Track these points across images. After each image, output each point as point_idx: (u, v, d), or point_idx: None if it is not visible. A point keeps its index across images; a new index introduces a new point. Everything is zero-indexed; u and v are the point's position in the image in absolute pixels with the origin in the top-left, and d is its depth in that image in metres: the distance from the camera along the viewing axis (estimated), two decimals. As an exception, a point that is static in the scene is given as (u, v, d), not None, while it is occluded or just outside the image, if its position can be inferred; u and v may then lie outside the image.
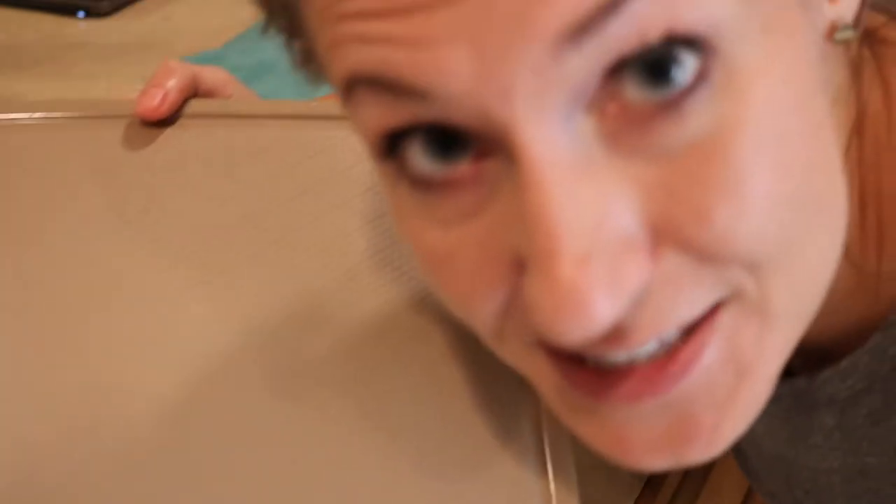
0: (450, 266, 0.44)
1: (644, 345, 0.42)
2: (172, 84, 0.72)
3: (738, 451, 0.72)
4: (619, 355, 0.43)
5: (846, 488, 0.61)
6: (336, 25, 0.40)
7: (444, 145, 0.42)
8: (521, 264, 0.41)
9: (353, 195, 0.69)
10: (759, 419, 0.58)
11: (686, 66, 0.39)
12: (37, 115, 0.74)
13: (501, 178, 0.41)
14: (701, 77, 0.39)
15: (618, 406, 0.44)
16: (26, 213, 0.71)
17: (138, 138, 0.72)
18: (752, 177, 0.40)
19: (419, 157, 0.42)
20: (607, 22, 0.37)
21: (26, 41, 1.34)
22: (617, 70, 0.39)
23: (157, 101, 0.71)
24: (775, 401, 0.56)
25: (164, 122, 0.72)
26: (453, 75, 0.38)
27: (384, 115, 0.41)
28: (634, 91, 0.39)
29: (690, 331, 0.43)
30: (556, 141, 0.39)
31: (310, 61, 0.47)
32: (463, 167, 0.42)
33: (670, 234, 0.40)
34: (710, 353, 0.43)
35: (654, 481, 0.80)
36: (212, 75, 0.75)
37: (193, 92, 0.74)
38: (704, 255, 0.41)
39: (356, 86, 0.41)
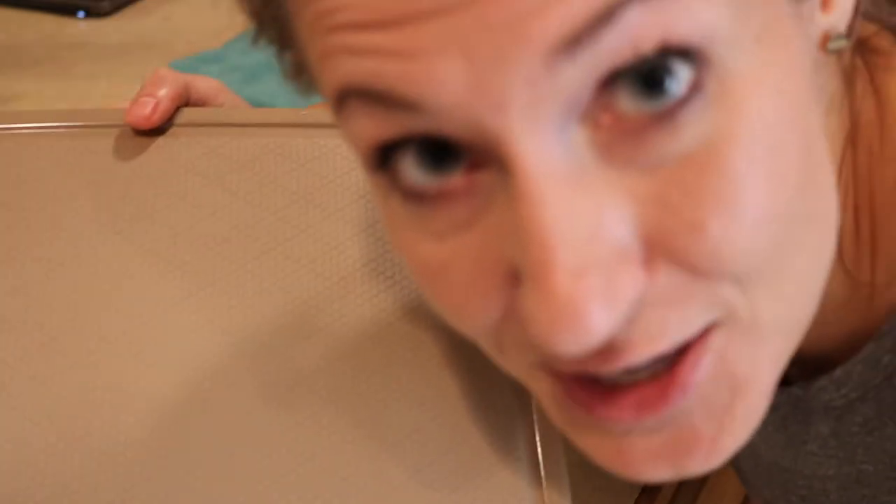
0: (444, 279, 0.44)
1: (638, 361, 0.42)
2: (164, 93, 0.71)
3: (735, 458, 0.71)
4: (615, 371, 0.42)
5: (842, 495, 0.61)
6: (326, 37, 0.40)
7: (436, 157, 0.42)
8: (517, 276, 0.41)
9: (345, 204, 0.69)
10: (755, 428, 0.59)
11: (680, 77, 0.39)
12: (26, 125, 0.74)
13: (495, 189, 0.41)
14: (695, 88, 0.39)
15: (618, 423, 0.44)
16: (16, 224, 0.70)
17: (129, 148, 0.72)
18: (745, 189, 0.40)
19: (411, 169, 0.42)
20: (601, 33, 0.37)
21: (26, 41, 1.35)
22: (611, 81, 0.39)
23: (148, 110, 0.70)
24: (772, 409, 0.56)
25: (155, 131, 0.72)
26: (445, 87, 0.38)
27: (376, 127, 0.41)
28: (628, 102, 0.39)
29: (684, 350, 0.43)
30: (550, 152, 0.39)
31: (301, 73, 0.47)
32: (456, 179, 0.42)
33: (663, 246, 0.40)
34: (705, 370, 0.43)
35: (650, 486, 0.80)
36: (203, 84, 0.75)
37: (185, 100, 0.73)
38: (697, 269, 0.41)
39: (347, 98, 0.41)
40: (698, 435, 0.44)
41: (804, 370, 0.58)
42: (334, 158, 0.70)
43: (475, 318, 0.45)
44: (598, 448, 0.47)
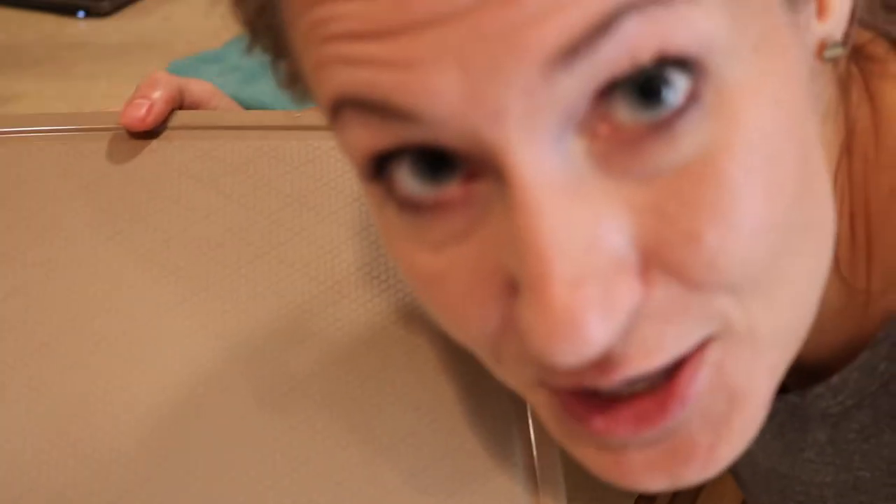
0: (441, 289, 0.44)
1: (635, 374, 0.42)
2: (158, 95, 0.71)
3: (733, 465, 0.71)
4: (613, 384, 0.42)
5: (839, 502, 0.61)
6: (321, 47, 0.40)
7: (432, 167, 0.41)
8: (514, 286, 0.41)
9: (340, 207, 0.69)
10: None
11: (677, 87, 0.39)
12: (20, 129, 0.73)
13: (492, 199, 0.41)
14: (692, 98, 0.39)
15: (616, 437, 0.44)
16: (10, 227, 0.70)
17: (122, 151, 0.71)
18: (742, 199, 0.40)
19: (407, 179, 0.42)
20: (598, 43, 0.37)
21: (26, 41, 1.35)
22: (608, 91, 0.39)
23: (142, 112, 0.70)
24: (769, 416, 0.56)
25: (149, 133, 0.72)
26: (441, 97, 0.38)
27: (371, 137, 0.41)
28: (626, 112, 0.39)
29: (681, 362, 0.43)
30: (547, 163, 0.38)
31: (295, 82, 0.47)
32: (452, 189, 0.42)
33: (660, 257, 0.40)
34: (702, 383, 0.43)
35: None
36: (198, 87, 0.75)
37: (179, 103, 0.73)
38: (693, 280, 0.41)
39: (343, 108, 0.41)
40: (695, 446, 0.44)
41: (800, 378, 0.58)
42: (328, 161, 0.70)
43: (473, 329, 0.44)
44: (595, 460, 0.46)
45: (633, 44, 0.37)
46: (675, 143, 0.39)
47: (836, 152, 0.54)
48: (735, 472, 0.72)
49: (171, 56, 1.27)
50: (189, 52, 1.28)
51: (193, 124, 0.72)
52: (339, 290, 0.67)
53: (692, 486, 0.81)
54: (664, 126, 0.39)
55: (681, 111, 0.39)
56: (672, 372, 0.43)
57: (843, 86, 0.54)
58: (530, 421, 0.60)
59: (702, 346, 0.43)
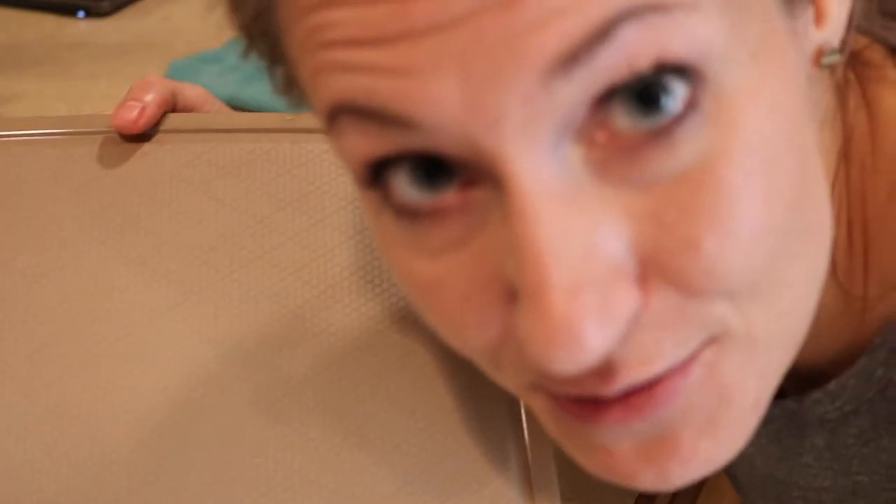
0: (438, 297, 0.44)
1: (634, 381, 0.42)
2: (150, 98, 0.71)
3: (730, 470, 0.72)
4: (612, 392, 0.42)
5: (838, 507, 0.60)
6: (318, 53, 0.40)
7: (429, 174, 0.41)
8: (512, 294, 0.41)
9: (333, 210, 0.69)
10: (749, 439, 0.58)
11: (675, 94, 0.38)
12: (10, 133, 0.73)
13: (490, 206, 0.41)
14: (690, 105, 0.39)
15: (608, 428, 0.44)
16: (1, 233, 0.70)
17: (114, 155, 0.71)
18: (741, 206, 0.40)
19: (404, 186, 0.42)
20: (597, 51, 0.37)
21: (26, 41, 1.35)
22: (606, 98, 0.38)
23: (134, 115, 0.70)
24: (766, 422, 0.56)
25: (140, 137, 0.71)
26: (440, 104, 0.38)
27: (369, 144, 0.41)
28: (624, 119, 0.39)
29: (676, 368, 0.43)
30: (545, 170, 0.38)
31: (292, 87, 0.47)
32: (450, 196, 0.42)
33: (658, 264, 0.40)
34: (692, 379, 0.43)
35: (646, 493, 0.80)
36: (191, 91, 0.74)
37: (172, 107, 0.73)
38: (692, 287, 0.41)
39: (340, 114, 0.41)
40: (677, 441, 0.44)
41: (798, 383, 0.58)
42: (321, 164, 0.70)
43: (470, 337, 0.44)
44: (589, 457, 0.47)
45: (631, 51, 0.37)
46: (673, 149, 0.39)
47: (833, 158, 0.54)
48: (732, 476, 0.72)
49: (171, 56, 1.27)
50: (189, 52, 1.27)
51: (185, 127, 0.72)
52: (333, 295, 0.67)
53: (690, 487, 0.81)
54: (662, 133, 0.39)
55: (679, 118, 0.39)
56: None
57: (841, 92, 0.54)
58: (524, 425, 0.60)
59: (699, 350, 0.43)
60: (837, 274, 0.54)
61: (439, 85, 0.37)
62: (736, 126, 0.39)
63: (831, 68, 0.50)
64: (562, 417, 0.46)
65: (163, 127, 0.72)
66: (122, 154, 0.71)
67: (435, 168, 0.41)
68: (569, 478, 0.58)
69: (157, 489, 0.59)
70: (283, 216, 0.69)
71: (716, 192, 0.39)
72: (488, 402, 0.61)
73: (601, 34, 0.36)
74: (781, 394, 0.57)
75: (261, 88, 1.19)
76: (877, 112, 0.54)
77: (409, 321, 0.65)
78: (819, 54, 0.46)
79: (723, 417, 0.44)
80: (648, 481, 0.45)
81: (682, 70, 0.38)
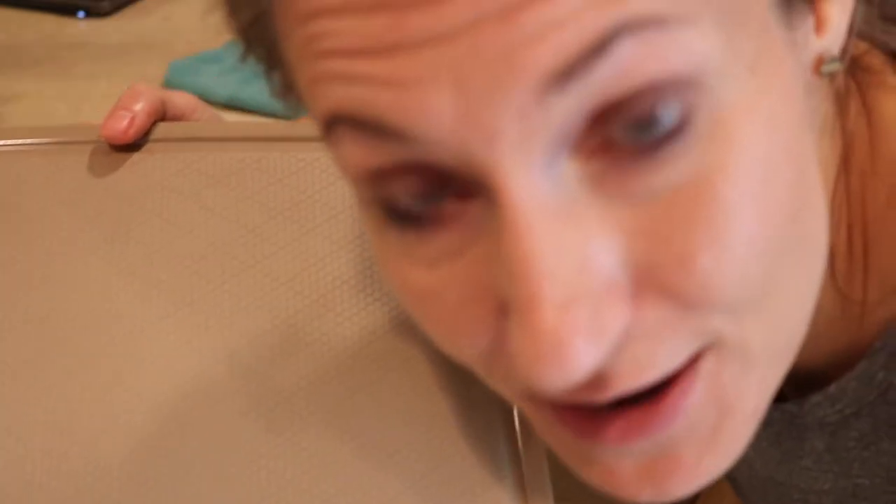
0: (433, 306, 0.44)
1: (627, 391, 0.42)
2: (140, 107, 0.70)
3: (730, 472, 0.72)
4: (605, 401, 0.43)
5: (838, 510, 0.61)
6: (316, 62, 0.40)
7: (427, 183, 0.41)
8: (505, 307, 0.41)
9: (325, 219, 0.68)
10: (749, 443, 0.59)
11: (671, 110, 0.38)
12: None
13: (485, 218, 0.41)
14: (686, 120, 0.39)
15: (608, 447, 0.44)
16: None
17: (103, 164, 0.71)
18: (736, 221, 0.40)
19: (402, 196, 0.42)
20: (593, 65, 0.37)
21: (26, 41, 1.35)
22: (602, 113, 0.38)
23: (124, 124, 0.70)
24: (766, 425, 0.57)
25: (130, 146, 0.71)
26: (436, 117, 0.38)
27: (366, 154, 0.41)
28: (619, 134, 0.39)
29: (674, 376, 0.43)
30: (540, 186, 0.38)
31: (289, 92, 0.47)
32: (446, 206, 0.42)
33: (653, 279, 0.40)
34: (694, 396, 0.43)
35: None
36: (180, 100, 0.74)
37: (161, 115, 0.73)
38: (687, 302, 0.41)
39: (336, 124, 0.41)
40: (680, 460, 0.44)
41: (797, 386, 0.59)
42: (313, 173, 0.69)
43: (464, 347, 0.45)
44: (589, 470, 0.47)
45: (627, 66, 0.37)
46: (668, 164, 0.39)
47: (833, 165, 0.53)
48: (732, 479, 0.73)
49: (171, 56, 1.27)
50: (189, 52, 1.27)
51: (175, 136, 0.72)
52: (325, 304, 0.67)
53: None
54: (658, 148, 0.39)
55: (674, 133, 0.39)
56: (665, 383, 0.43)
57: (840, 99, 0.53)
58: (518, 431, 0.60)
59: (695, 358, 0.43)
60: (836, 279, 0.54)
61: (436, 97, 0.37)
62: (732, 140, 0.39)
63: (831, 75, 0.49)
64: (559, 429, 0.46)
65: (153, 136, 0.72)
66: (112, 164, 0.71)
67: (432, 178, 0.41)
68: (563, 477, 0.58)
69: (150, 499, 0.59)
70: (274, 225, 0.69)
71: (711, 207, 0.39)
72: (481, 408, 0.61)
73: (598, 49, 0.36)
74: (781, 397, 0.57)
75: (261, 89, 1.18)
76: (876, 117, 0.54)
77: (401, 329, 0.65)
78: (819, 62, 0.46)
79: (723, 429, 0.45)
80: (649, 497, 0.45)
81: (678, 85, 0.38)
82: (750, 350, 0.43)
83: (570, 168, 0.39)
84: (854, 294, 0.54)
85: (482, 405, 0.61)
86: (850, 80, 0.54)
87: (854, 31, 0.48)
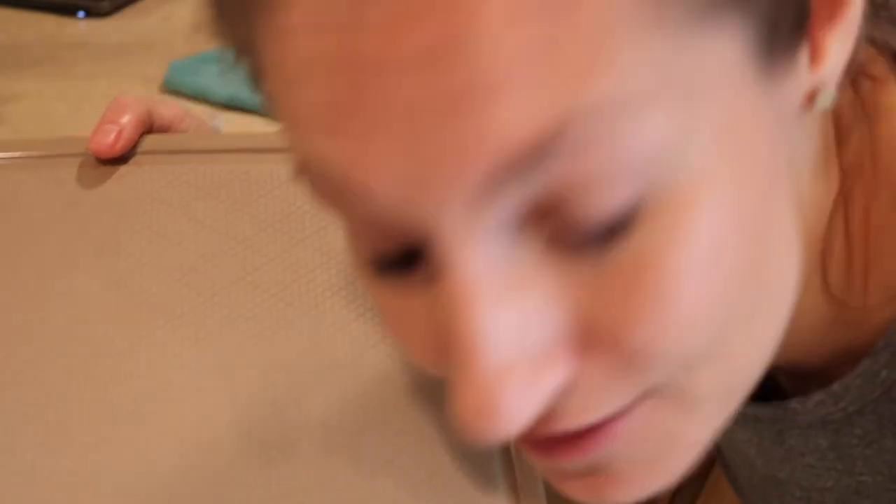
0: (400, 328, 0.45)
1: (570, 428, 0.42)
2: (127, 119, 0.70)
3: (730, 472, 0.73)
4: (551, 432, 0.43)
5: (840, 507, 0.61)
6: (288, 103, 0.39)
7: (386, 239, 0.41)
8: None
9: (314, 230, 0.68)
10: (751, 441, 0.59)
11: (622, 197, 0.37)
12: None
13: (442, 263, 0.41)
14: (638, 204, 0.38)
15: (558, 461, 0.45)
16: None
17: (91, 177, 0.71)
18: (681, 292, 0.39)
19: (364, 242, 0.42)
20: (542, 156, 0.36)
21: (26, 41, 1.34)
22: (551, 199, 0.38)
23: (111, 138, 0.69)
24: (769, 423, 0.58)
25: (118, 159, 0.71)
26: (383, 197, 0.38)
27: (332, 200, 0.41)
28: (568, 214, 0.38)
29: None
30: (484, 253, 0.38)
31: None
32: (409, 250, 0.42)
33: (597, 337, 0.40)
34: (629, 424, 0.43)
35: None
36: (167, 109, 0.74)
37: (148, 127, 0.72)
38: (630, 361, 0.40)
39: (305, 170, 0.41)
40: (617, 477, 0.45)
41: (801, 383, 0.59)
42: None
43: (430, 370, 0.45)
44: (551, 477, 0.48)
45: (579, 154, 0.36)
46: (617, 237, 0.38)
47: (831, 185, 0.52)
48: (733, 478, 0.73)
49: (171, 56, 1.27)
50: (189, 52, 1.27)
51: (164, 149, 0.71)
52: (316, 315, 0.67)
53: (690, 487, 0.81)
54: (607, 230, 0.38)
55: (624, 218, 0.38)
56: None
57: (842, 118, 0.52)
58: (511, 442, 0.60)
59: (637, 401, 0.43)
60: (830, 288, 0.53)
61: (382, 180, 0.37)
62: (686, 213, 0.38)
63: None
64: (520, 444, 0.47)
65: (141, 148, 0.72)
66: (101, 176, 0.70)
67: (389, 233, 0.41)
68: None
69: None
70: (264, 237, 0.69)
71: (658, 277, 0.39)
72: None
73: (546, 140, 0.35)
74: (784, 394, 0.58)
75: (261, 87, 1.19)
76: (878, 125, 0.52)
77: (392, 341, 0.65)
78: (812, 96, 0.44)
79: (657, 459, 0.45)
80: (594, 501, 0.47)
81: (631, 173, 0.37)
82: (695, 395, 0.43)
83: (517, 237, 0.38)
84: (853, 300, 0.53)
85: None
86: (853, 95, 0.53)
87: (856, 61, 0.46)
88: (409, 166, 0.37)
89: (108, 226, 0.69)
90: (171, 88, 1.22)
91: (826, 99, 0.45)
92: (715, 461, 0.86)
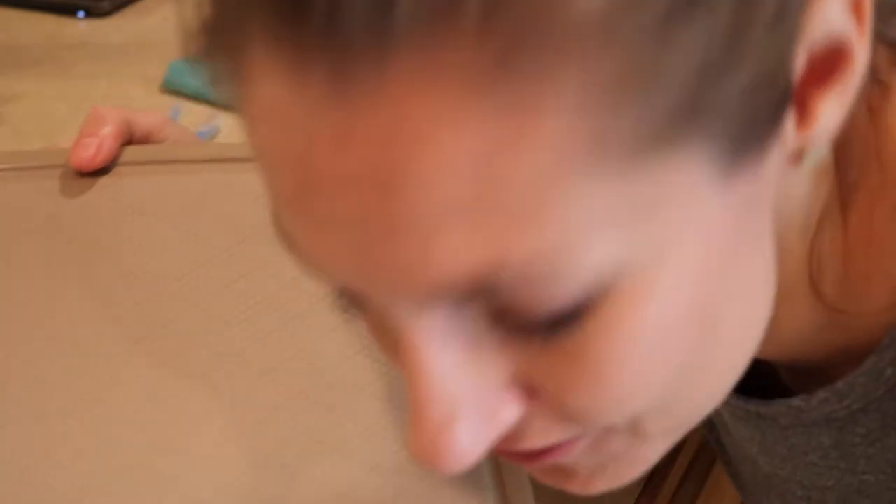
0: (378, 338, 0.45)
1: (528, 449, 0.44)
2: (106, 131, 0.70)
3: (732, 469, 0.72)
4: (514, 449, 0.44)
5: (841, 506, 0.60)
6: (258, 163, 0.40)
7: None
8: None
9: (299, 238, 0.68)
10: (753, 439, 0.59)
11: (564, 308, 0.38)
12: None
13: None
14: (586, 300, 0.38)
15: (521, 463, 0.47)
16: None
17: (74, 189, 0.71)
18: (626, 376, 0.40)
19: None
20: (480, 291, 0.37)
21: (26, 41, 1.34)
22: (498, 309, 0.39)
23: (92, 151, 0.69)
24: (773, 421, 0.57)
25: (101, 170, 0.71)
26: (340, 277, 0.39)
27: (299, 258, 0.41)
28: (514, 311, 0.39)
29: None
30: (437, 325, 0.39)
31: None
32: None
33: (542, 396, 0.41)
34: (581, 447, 0.45)
35: (653, 482, 0.80)
36: (145, 118, 0.74)
37: (128, 136, 0.72)
38: (574, 418, 0.42)
39: (276, 220, 0.41)
40: (575, 476, 0.47)
41: (803, 381, 0.59)
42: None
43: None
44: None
45: (517, 288, 0.37)
46: (563, 326, 0.39)
47: (822, 192, 0.51)
48: (735, 475, 0.72)
49: (171, 56, 1.26)
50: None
51: (145, 159, 0.71)
52: (302, 322, 0.67)
53: (690, 487, 0.81)
54: (553, 318, 0.39)
55: (572, 310, 0.38)
56: None
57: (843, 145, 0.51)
58: None
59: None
60: (825, 298, 0.53)
61: (338, 263, 0.38)
62: (632, 310, 0.39)
63: None
64: None
65: (122, 159, 0.72)
66: (83, 188, 0.71)
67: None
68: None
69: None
70: (248, 246, 0.69)
71: (598, 364, 0.39)
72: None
73: (483, 278, 0.36)
74: (788, 392, 0.57)
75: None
76: (883, 128, 0.51)
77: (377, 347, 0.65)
78: (800, 154, 0.42)
79: (614, 469, 0.46)
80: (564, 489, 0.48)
81: (577, 284, 0.37)
82: (644, 433, 0.44)
83: (468, 312, 0.39)
84: (851, 307, 0.53)
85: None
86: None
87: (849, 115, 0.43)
88: (357, 266, 0.37)
89: (91, 236, 0.69)
90: (171, 88, 1.22)
91: (815, 156, 0.44)
92: (715, 460, 0.86)
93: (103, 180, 0.70)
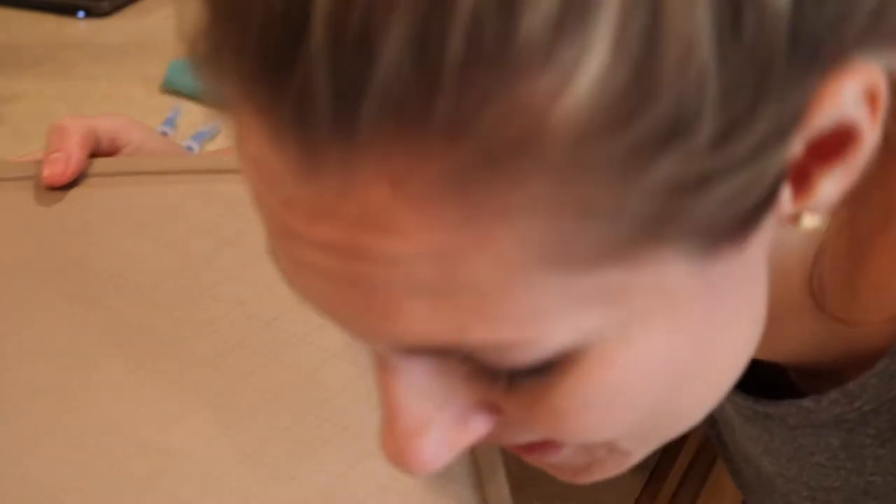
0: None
1: (512, 444, 0.45)
2: (73, 142, 0.70)
3: (734, 468, 0.72)
4: (501, 444, 0.46)
5: (846, 507, 0.60)
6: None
7: None
8: None
9: (273, 246, 0.68)
10: (759, 439, 0.59)
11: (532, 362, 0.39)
12: None
13: None
14: (553, 359, 0.39)
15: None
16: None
17: (48, 199, 0.71)
18: (593, 421, 0.41)
19: None
20: (446, 354, 0.38)
21: (26, 41, 1.35)
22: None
23: (61, 166, 0.70)
24: (781, 421, 0.57)
25: (73, 182, 0.71)
26: (321, 313, 0.40)
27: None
28: (482, 361, 0.40)
29: None
30: (408, 363, 0.40)
31: None
32: None
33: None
34: (564, 454, 0.46)
35: (653, 481, 0.79)
36: (108, 123, 0.74)
37: (95, 144, 0.73)
38: (544, 437, 0.44)
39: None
40: (563, 470, 0.48)
41: (812, 381, 0.59)
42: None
43: None
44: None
45: (485, 355, 0.38)
46: (530, 374, 0.40)
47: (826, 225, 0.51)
48: (736, 473, 0.72)
49: (171, 56, 1.26)
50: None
51: (116, 171, 0.72)
52: (278, 326, 0.68)
53: (690, 486, 0.81)
54: (521, 369, 0.40)
55: (539, 365, 0.39)
56: None
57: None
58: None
59: None
60: (827, 309, 0.53)
61: (318, 304, 0.39)
62: (600, 371, 0.40)
63: None
64: None
65: (92, 171, 0.72)
66: (55, 199, 0.71)
67: None
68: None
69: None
70: (223, 254, 0.69)
71: (562, 412, 0.41)
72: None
73: (448, 349, 0.38)
74: (798, 392, 0.57)
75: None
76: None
77: (353, 350, 0.65)
78: (795, 218, 0.41)
79: (597, 469, 0.47)
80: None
81: (543, 352, 0.39)
82: (621, 449, 0.45)
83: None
84: (862, 317, 0.53)
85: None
86: None
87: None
88: (334, 311, 0.39)
89: (66, 246, 0.70)
90: (171, 88, 1.22)
91: (811, 221, 0.44)
92: (716, 459, 0.86)
93: (74, 192, 0.71)
